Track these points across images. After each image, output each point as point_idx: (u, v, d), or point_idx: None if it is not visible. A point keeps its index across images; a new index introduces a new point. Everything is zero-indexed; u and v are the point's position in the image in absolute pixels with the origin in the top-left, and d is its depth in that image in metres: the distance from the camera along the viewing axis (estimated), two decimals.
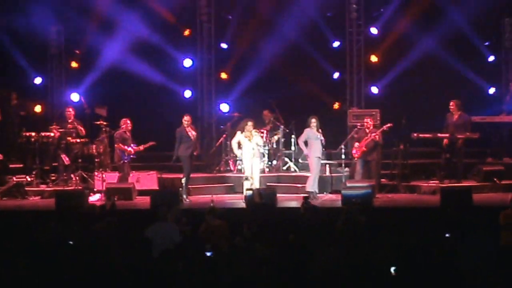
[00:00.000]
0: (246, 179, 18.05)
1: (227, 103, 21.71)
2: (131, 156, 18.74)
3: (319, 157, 18.11)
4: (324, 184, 18.66)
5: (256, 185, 17.99)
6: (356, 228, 12.50)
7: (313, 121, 18.10)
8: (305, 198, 14.73)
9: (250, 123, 18.32)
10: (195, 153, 18.74)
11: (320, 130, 18.08)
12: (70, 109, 20.10)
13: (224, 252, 10.86)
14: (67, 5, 21.50)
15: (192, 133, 18.47)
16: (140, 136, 19.15)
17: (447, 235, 11.53)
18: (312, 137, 18.06)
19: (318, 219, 13.00)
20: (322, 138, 18.03)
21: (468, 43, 21.10)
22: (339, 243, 11.47)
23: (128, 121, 18.81)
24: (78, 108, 20.56)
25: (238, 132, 18.44)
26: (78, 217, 14.26)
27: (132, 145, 18.75)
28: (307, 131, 18.11)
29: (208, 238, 12.46)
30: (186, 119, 18.49)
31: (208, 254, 10.65)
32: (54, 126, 19.70)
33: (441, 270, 9.54)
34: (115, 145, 18.78)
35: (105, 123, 19.57)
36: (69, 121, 19.81)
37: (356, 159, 18.54)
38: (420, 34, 21.21)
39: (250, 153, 18.17)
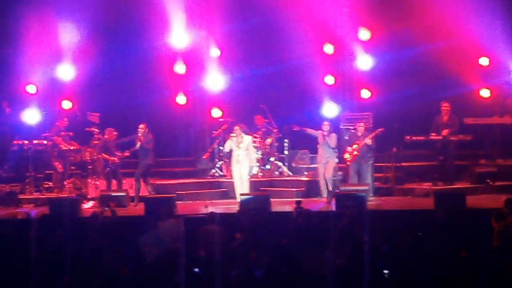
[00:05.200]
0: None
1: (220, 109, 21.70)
2: (116, 164, 18.73)
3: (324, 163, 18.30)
4: (317, 187, 18.66)
5: (246, 189, 18.03)
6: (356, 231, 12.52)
7: (326, 124, 18.49)
8: (298, 203, 14.73)
9: (237, 127, 18.42)
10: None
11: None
12: (65, 119, 20.08)
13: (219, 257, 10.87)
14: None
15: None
16: (132, 143, 19.07)
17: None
18: (319, 142, 18.37)
19: (311, 223, 12.99)
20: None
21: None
22: (335, 246, 11.48)
23: (112, 129, 18.86)
24: (71, 115, 20.51)
25: (230, 139, 18.50)
26: (76, 224, 14.18)
27: (116, 153, 18.75)
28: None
29: (204, 243, 12.46)
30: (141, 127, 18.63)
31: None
32: (51, 134, 19.66)
33: (434, 273, 9.56)
34: (98, 155, 18.83)
35: (97, 130, 19.51)
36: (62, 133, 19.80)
37: (349, 163, 18.57)
38: (412, 35, 21.19)
39: (235, 159, 18.27)
